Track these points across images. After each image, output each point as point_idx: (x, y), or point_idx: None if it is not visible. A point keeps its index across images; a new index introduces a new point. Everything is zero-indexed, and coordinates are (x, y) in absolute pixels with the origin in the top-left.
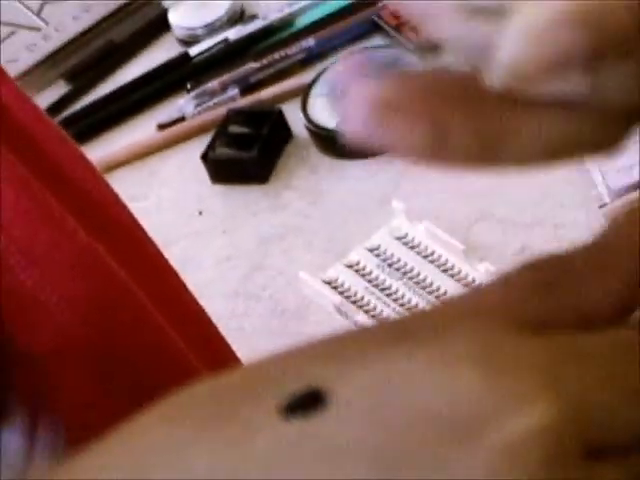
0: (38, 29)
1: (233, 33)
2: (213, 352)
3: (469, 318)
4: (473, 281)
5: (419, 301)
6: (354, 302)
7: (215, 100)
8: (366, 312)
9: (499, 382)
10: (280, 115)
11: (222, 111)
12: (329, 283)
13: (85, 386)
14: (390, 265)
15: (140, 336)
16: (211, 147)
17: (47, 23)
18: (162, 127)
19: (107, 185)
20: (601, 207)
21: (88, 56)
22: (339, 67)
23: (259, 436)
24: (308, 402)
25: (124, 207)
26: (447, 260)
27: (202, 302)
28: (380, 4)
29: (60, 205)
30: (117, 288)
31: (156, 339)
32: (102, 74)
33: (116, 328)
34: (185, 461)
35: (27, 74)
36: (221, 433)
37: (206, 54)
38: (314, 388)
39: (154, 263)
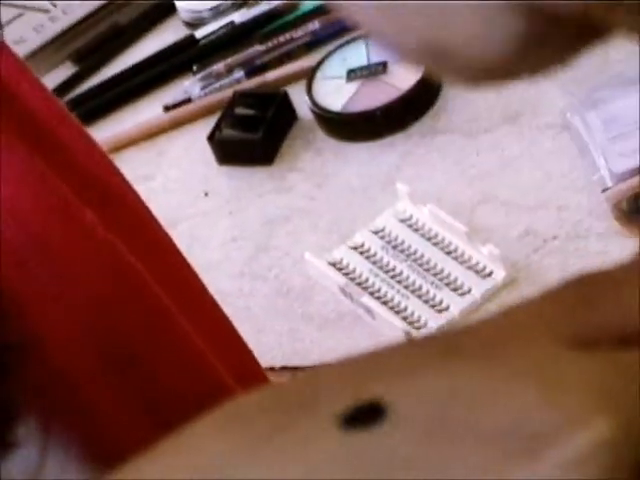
0: (46, 11)
1: (239, 16)
2: (225, 343)
3: (518, 334)
4: (477, 263)
5: (423, 283)
6: (359, 284)
7: (221, 82)
8: (371, 294)
9: (556, 398)
10: (285, 97)
11: (228, 93)
12: (334, 264)
13: (99, 383)
14: (394, 247)
15: (156, 331)
16: (217, 128)
17: (55, 5)
18: (168, 109)
19: (115, 168)
20: (604, 191)
21: (95, 38)
22: None
23: (317, 448)
24: (367, 414)
25: (134, 192)
26: (451, 242)
27: (208, 282)
28: None
29: (76, 197)
30: (134, 283)
31: (172, 333)
32: (109, 56)
33: (132, 323)
34: (242, 471)
35: (34, 55)
36: (279, 444)
37: (212, 37)
38: (373, 400)
39: (162, 248)
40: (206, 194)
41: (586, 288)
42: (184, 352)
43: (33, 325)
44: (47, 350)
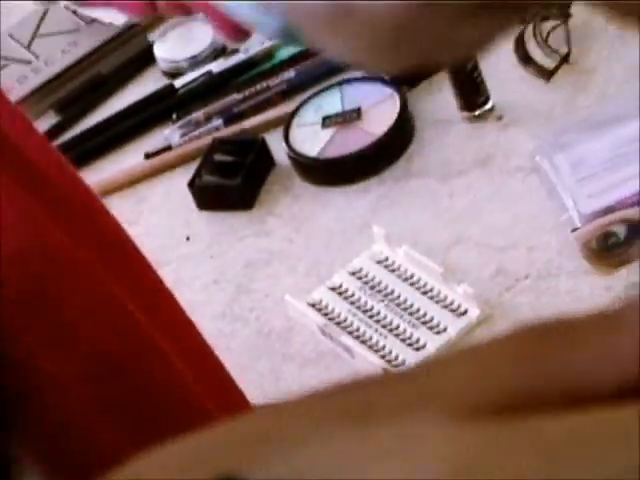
0: (28, 62)
1: (216, 66)
2: (212, 375)
3: (417, 401)
4: (452, 302)
5: (400, 322)
6: (338, 323)
7: (200, 130)
8: (349, 333)
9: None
10: (263, 144)
11: (207, 140)
12: (313, 305)
13: (94, 409)
14: (372, 288)
15: (149, 365)
16: (197, 175)
17: (37, 56)
18: (149, 156)
19: (109, 211)
20: (573, 231)
21: (77, 88)
22: None
23: None
24: None
25: (126, 233)
26: (426, 282)
27: None
28: None
29: (73, 238)
30: (127, 322)
31: (163, 368)
32: (91, 105)
33: (125, 358)
34: None
35: (18, 105)
36: None
37: (190, 86)
38: (227, 476)
39: (154, 285)
40: (188, 238)
41: (546, 336)
42: (175, 384)
43: (34, 361)
44: (45, 384)
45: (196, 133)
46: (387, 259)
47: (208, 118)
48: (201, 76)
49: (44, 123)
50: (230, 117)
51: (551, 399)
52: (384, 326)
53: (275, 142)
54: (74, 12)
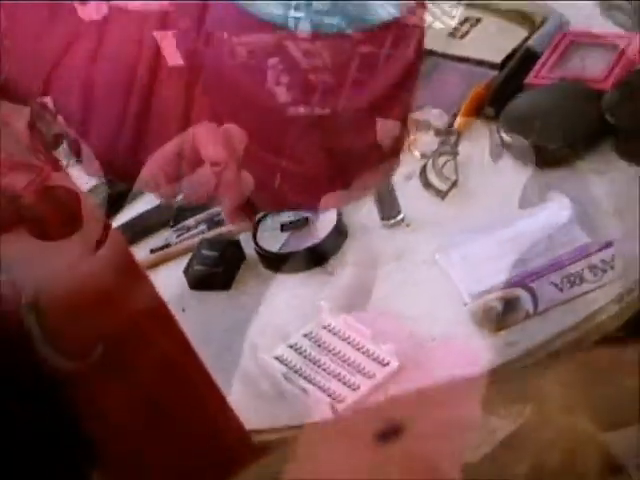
0: None
1: None
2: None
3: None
4: (378, 356)
5: (341, 370)
6: (295, 371)
7: (191, 232)
8: (304, 378)
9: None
10: (238, 243)
11: (196, 240)
12: (277, 358)
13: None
14: (319, 345)
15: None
16: (190, 265)
17: None
18: (154, 251)
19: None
20: (465, 306)
21: (100, 203)
22: None
23: (362, 453)
24: (392, 432)
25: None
26: (359, 342)
27: None
28: None
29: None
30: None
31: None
32: (111, 215)
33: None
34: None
35: None
36: (337, 450)
37: (182, 201)
38: (396, 423)
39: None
40: (183, 310)
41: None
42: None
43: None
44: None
45: (188, 235)
46: (330, 325)
47: (197, 224)
48: None
49: None
50: (212, 224)
51: None
52: (329, 373)
53: (246, 241)
54: None
